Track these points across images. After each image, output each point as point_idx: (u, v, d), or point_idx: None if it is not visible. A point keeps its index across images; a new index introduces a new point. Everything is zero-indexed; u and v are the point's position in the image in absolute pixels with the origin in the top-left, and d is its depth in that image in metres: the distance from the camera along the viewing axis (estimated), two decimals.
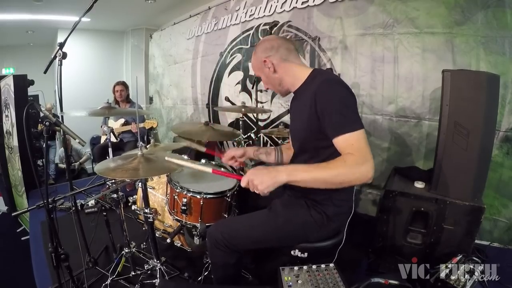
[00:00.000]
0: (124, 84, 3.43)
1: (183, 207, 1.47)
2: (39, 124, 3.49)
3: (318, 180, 0.95)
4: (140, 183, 1.59)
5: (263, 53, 1.19)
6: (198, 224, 1.49)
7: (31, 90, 3.10)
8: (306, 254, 1.18)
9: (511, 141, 1.80)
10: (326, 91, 1.04)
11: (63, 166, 4.47)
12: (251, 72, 3.19)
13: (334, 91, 1.04)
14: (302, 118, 1.14)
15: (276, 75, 1.20)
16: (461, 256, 1.37)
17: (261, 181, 0.94)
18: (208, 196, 1.49)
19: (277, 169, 0.97)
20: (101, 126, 3.41)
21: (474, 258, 1.37)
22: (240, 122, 2.50)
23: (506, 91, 1.77)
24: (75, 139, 1.23)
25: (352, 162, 0.93)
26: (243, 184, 1.00)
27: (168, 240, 1.67)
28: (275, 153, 1.44)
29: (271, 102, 3.07)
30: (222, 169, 1.84)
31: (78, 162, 4.61)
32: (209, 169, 1.10)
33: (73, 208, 1.63)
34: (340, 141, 0.99)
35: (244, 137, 2.67)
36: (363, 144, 0.96)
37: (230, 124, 3.59)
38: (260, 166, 1.05)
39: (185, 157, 1.76)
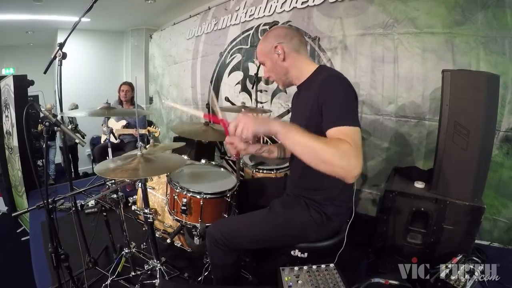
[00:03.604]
0: (130, 85, 3.39)
1: (183, 207, 1.47)
2: (39, 124, 3.50)
3: (306, 146, 0.89)
4: (140, 183, 1.59)
5: (276, 39, 1.16)
6: (198, 224, 1.49)
7: (31, 90, 3.09)
8: (306, 254, 1.18)
9: (511, 141, 1.80)
10: (331, 85, 1.04)
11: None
12: (251, 72, 3.19)
13: (339, 86, 1.03)
14: (304, 113, 1.13)
15: (284, 64, 1.18)
16: (461, 256, 1.37)
17: (248, 124, 0.91)
18: (208, 196, 1.49)
19: (272, 119, 0.93)
20: (102, 125, 3.40)
21: (474, 258, 1.37)
22: None
23: (506, 91, 1.77)
24: (75, 139, 1.23)
25: (345, 148, 0.87)
26: (231, 129, 0.96)
27: (168, 240, 1.67)
28: (277, 150, 1.43)
29: (271, 102, 3.07)
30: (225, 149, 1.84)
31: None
32: (200, 114, 1.20)
33: (73, 209, 1.62)
34: (335, 131, 0.94)
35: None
36: (358, 141, 0.92)
37: None
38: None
39: (185, 157, 1.76)
